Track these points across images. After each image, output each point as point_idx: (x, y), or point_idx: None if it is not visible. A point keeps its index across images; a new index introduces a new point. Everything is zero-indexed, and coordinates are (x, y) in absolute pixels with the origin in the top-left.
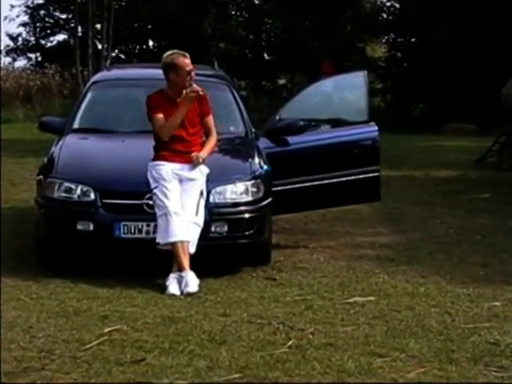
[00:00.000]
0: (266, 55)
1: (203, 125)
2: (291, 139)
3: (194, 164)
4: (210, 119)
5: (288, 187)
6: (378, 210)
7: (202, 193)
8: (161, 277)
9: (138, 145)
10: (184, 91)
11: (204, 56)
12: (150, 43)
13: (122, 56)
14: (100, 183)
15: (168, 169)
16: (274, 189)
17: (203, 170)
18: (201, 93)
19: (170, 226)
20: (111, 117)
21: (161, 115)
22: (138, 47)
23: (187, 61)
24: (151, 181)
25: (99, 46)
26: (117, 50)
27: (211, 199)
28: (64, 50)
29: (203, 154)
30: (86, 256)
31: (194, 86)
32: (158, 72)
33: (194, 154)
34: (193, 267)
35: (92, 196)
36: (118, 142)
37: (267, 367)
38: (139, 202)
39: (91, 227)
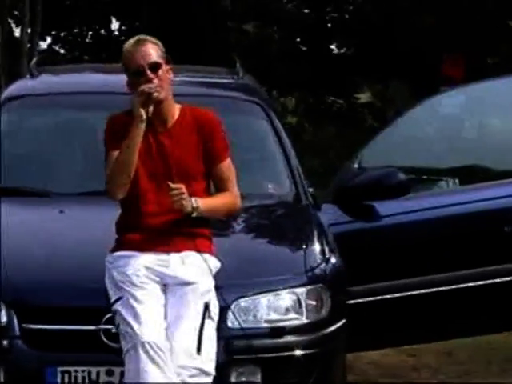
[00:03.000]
0: (334, 46)
1: (212, 177)
2: (383, 207)
3: (181, 215)
4: (226, 166)
5: (379, 298)
6: None
7: (207, 308)
8: None
9: (90, 218)
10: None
11: (216, 50)
12: (114, 25)
13: (60, 50)
14: (17, 292)
15: (139, 264)
16: (352, 301)
17: (209, 264)
18: (155, 94)
19: (143, 371)
20: (39, 166)
21: (116, 153)
22: (90, 33)
23: (140, 48)
24: (111, 290)
25: (16, 32)
26: (50, 39)
27: (230, 322)
28: None
29: (201, 202)
30: None
31: (144, 86)
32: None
33: (173, 187)
34: None
35: (2, 317)
36: (51, 215)
37: None
38: (92, 327)
39: (1, 377)
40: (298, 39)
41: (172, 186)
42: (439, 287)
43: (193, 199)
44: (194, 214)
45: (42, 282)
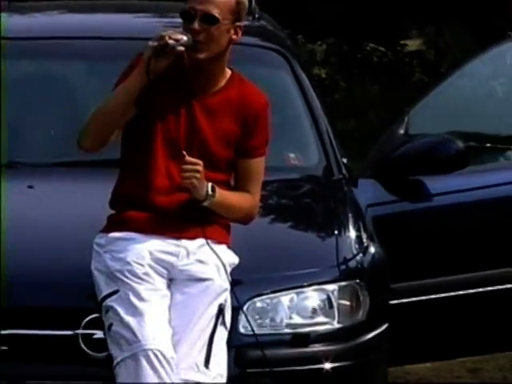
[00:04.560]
0: None
1: (237, 171)
2: (435, 184)
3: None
4: (258, 164)
5: (429, 297)
6: None
7: (221, 311)
8: None
9: (68, 196)
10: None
11: None
12: None
13: None
14: None
15: (143, 249)
16: (395, 301)
17: (225, 258)
18: (178, 48)
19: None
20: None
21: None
22: None
23: None
24: (101, 281)
25: None
26: None
27: (243, 327)
28: None
29: (218, 191)
30: None
31: (168, 33)
32: (130, 20)
33: (188, 160)
34: None
35: None
36: (16, 191)
37: None
38: (68, 332)
39: None
40: None
41: (188, 158)
42: (507, 284)
43: (209, 184)
44: (206, 203)
45: (3, 275)
